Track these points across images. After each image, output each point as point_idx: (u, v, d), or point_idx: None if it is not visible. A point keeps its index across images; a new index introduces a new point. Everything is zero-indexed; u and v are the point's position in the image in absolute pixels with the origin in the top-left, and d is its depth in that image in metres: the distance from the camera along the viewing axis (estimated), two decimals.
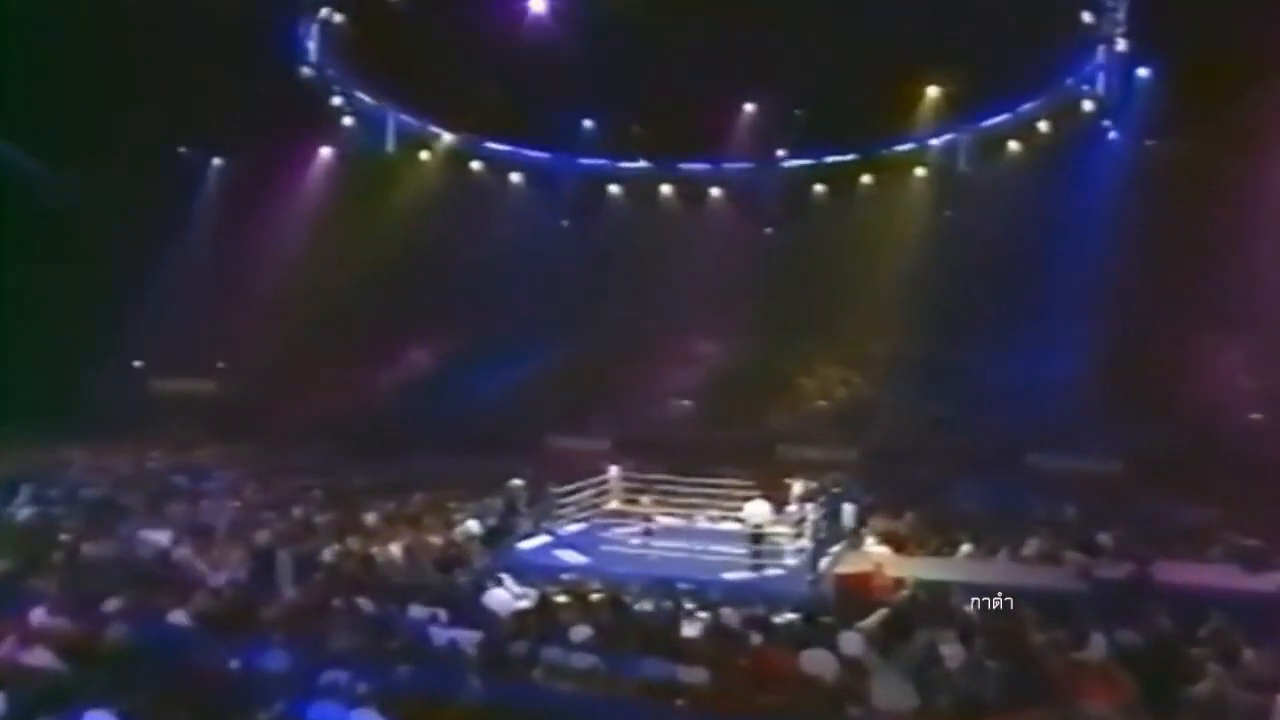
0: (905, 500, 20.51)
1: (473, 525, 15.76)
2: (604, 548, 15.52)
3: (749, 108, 24.22)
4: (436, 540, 15.78)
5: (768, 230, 27.44)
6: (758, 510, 16.58)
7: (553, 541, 16.45)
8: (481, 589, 13.08)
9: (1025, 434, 24.89)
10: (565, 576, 14.08)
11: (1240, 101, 22.62)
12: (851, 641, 11.58)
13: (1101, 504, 20.85)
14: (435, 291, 27.92)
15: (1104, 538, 16.27)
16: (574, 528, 17.50)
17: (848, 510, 16.10)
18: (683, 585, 13.64)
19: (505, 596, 12.77)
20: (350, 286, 27.16)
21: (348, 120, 23.71)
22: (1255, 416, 24.94)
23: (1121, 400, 25.05)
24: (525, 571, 14.23)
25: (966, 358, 27.42)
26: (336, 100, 23.10)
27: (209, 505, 18.83)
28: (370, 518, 18.53)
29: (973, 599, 12.92)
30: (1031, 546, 16.72)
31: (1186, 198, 23.75)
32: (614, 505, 18.70)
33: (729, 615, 12.36)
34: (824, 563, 14.86)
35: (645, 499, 17.85)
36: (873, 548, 16.31)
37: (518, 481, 16.82)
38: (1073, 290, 25.15)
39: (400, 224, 26.46)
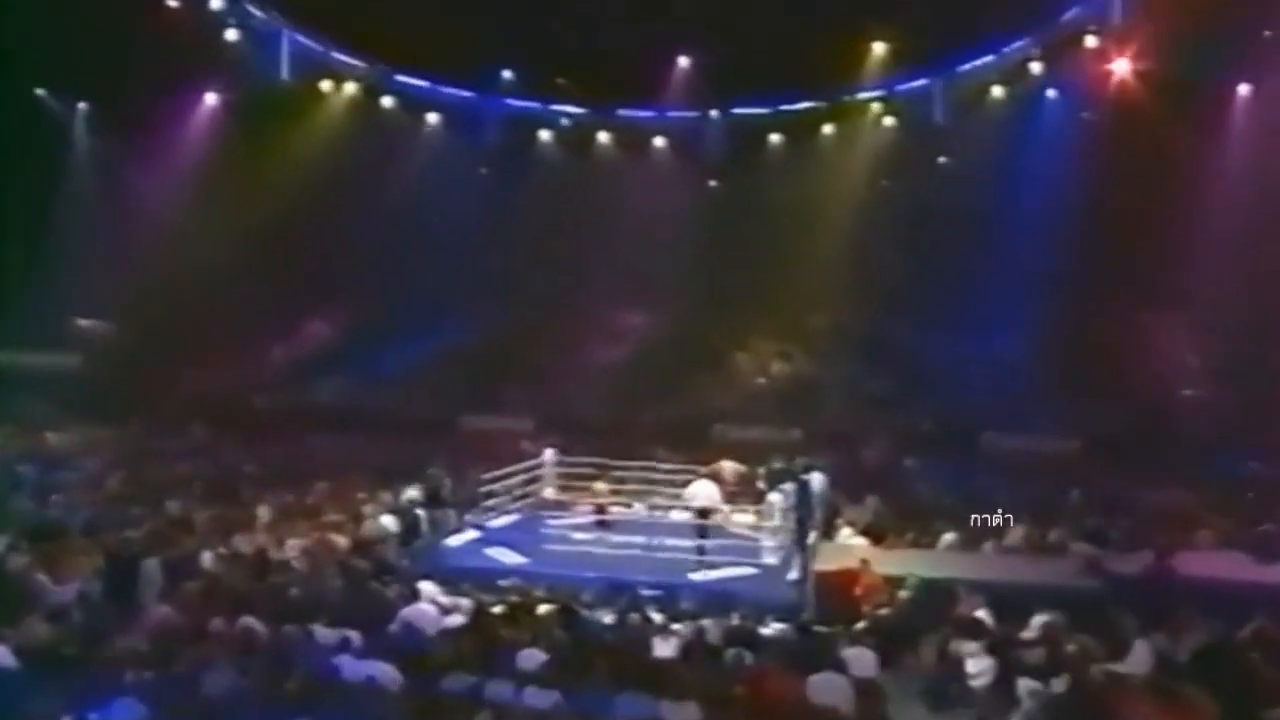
0: (862, 484, 18.80)
1: (387, 521, 13.22)
2: (545, 545, 13.22)
3: (693, 53, 21.94)
4: (343, 540, 13.19)
5: (712, 184, 25.06)
6: (702, 491, 14.63)
7: (482, 538, 14.09)
8: (403, 601, 10.68)
9: (975, 413, 23.55)
10: (503, 582, 11.76)
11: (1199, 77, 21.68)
12: (862, 659, 9.63)
13: (1068, 486, 19.59)
14: (337, 252, 24.85)
15: (1094, 522, 14.79)
16: (505, 521, 15.16)
17: (818, 480, 14.16)
18: (645, 590, 11.49)
19: (432, 612, 10.40)
20: (240, 246, 23.93)
21: (232, 34, 20.11)
22: (1187, 393, 24.13)
23: (1071, 377, 23.90)
24: (454, 576, 11.89)
25: (908, 333, 25.89)
26: (218, 4, 19.48)
27: (61, 500, 15.75)
28: (263, 512, 15.77)
29: (983, 600, 11.14)
30: (1016, 535, 15.15)
31: (1144, 168, 22.56)
32: (550, 494, 16.40)
33: (709, 628, 10.28)
34: (801, 558, 12.89)
35: (600, 485, 15.45)
36: (850, 539, 14.46)
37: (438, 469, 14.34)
38: (1024, 263, 23.78)
39: (297, 172, 23.20)
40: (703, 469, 15.56)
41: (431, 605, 10.53)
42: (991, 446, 22.24)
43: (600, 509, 14.44)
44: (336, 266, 25.49)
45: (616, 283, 25.26)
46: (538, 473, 16.37)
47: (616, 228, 24.08)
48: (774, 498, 13.06)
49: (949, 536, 15.00)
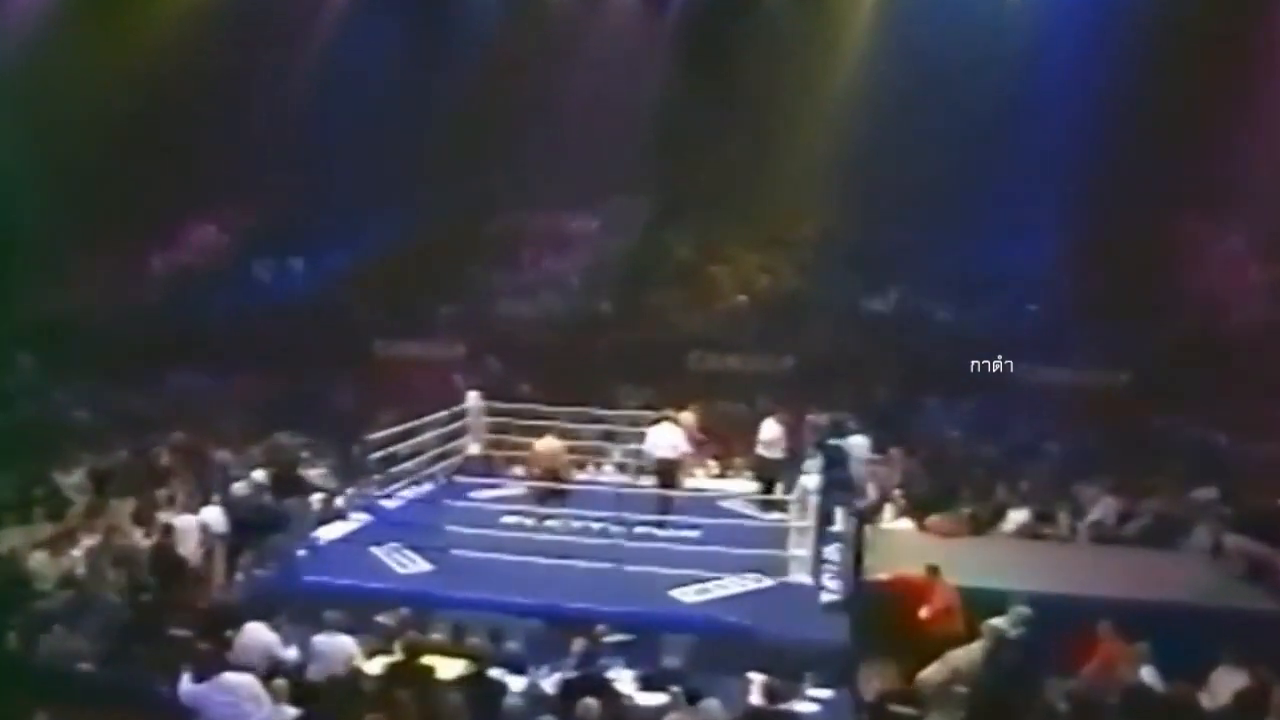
0: (880, 432, 14.82)
1: (212, 516, 8.73)
2: (456, 549, 8.87)
3: None
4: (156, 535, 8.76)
5: (688, 45, 19.92)
6: (664, 440, 10.54)
7: (370, 528, 9.72)
8: (209, 663, 6.36)
9: (1001, 339, 19.46)
10: (384, 618, 7.48)
11: None
12: None
13: (1131, 432, 15.82)
14: (217, 141, 19.67)
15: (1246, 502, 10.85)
16: (410, 496, 10.84)
17: (859, 445, 10.14)
18: (608, 637, 7.30)
19: (249, 693, 6.09)
20: (99, 135, 18.80)
21: None
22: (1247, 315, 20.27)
23: (1110, 296, 19.82)
24: (310, 606, 7.56)
25: (913, 242, 21.41)
26: None
27: None
28: (73, 479, 11.32)
29: (1144, 650, 7.14)
30: (1106, 509, 11.24)
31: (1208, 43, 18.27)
32: (475, 451, 12.08)
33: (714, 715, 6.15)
34: (836, 554, 8.78)
35: (549, 441, 10.64)
36: (895, 522, 10.44)
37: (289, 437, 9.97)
38: (1057, 156, 19.46)
39: (163, 37, 18.05)
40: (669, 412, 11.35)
41: (249, 680, 6.21)
42: (1026, 380, 18.27)
43: (545, 487, 9.90)
44: (221, 162, 20.38)
45: (566, 176, 20.47)
46: (457, 425, 11.96)
47: (564, 103, 19.23)
48: (809, 482, 8.80)
49: (1019, 515, 11.04)
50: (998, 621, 7.78)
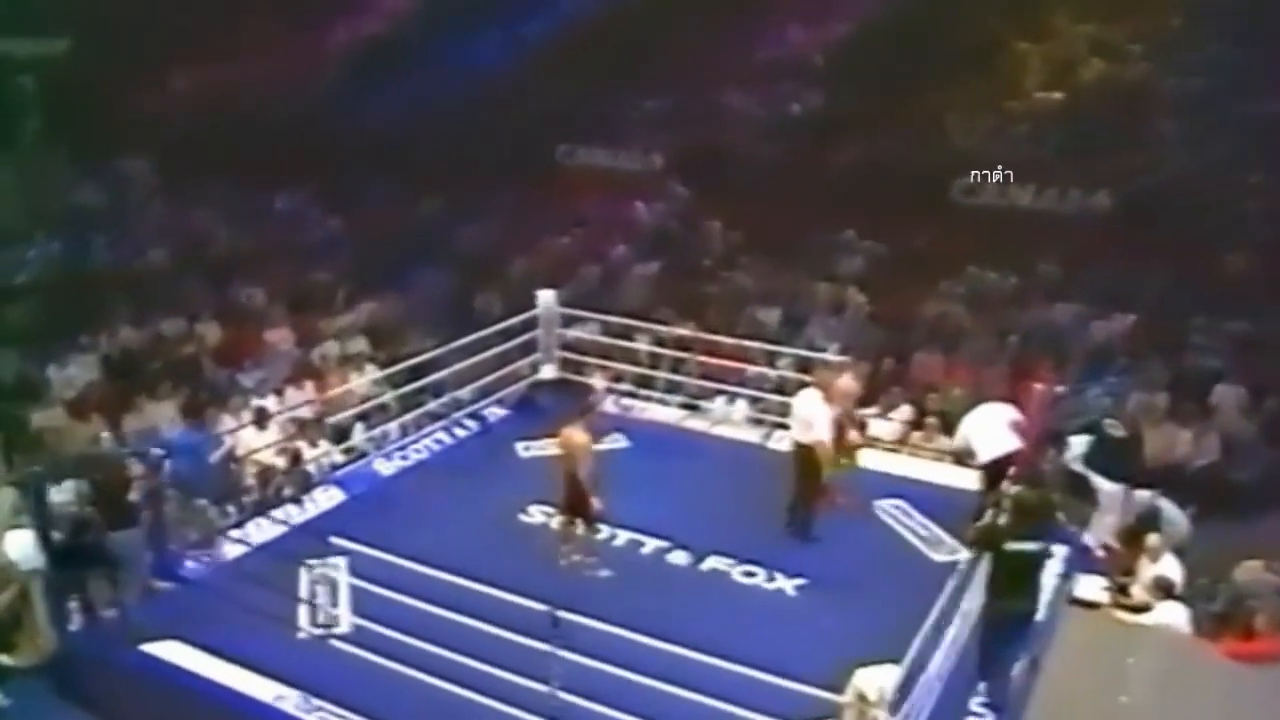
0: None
1: (18, 545, 5.97)
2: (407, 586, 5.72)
3: None
4: None
5: None
6: (801, 410, 6.88)
7: (318, 522, 6.81)
8: None
9: None
10: None
11: None
12: None
13: None
14: None
15: None
16: (422, 452, 7.86)
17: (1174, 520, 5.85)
18: None
19: None
20: None
21: None
22: None
23: None
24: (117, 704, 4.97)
25: None
26: None
27: None
28: (70, 370, 9.44)
29: None
30: None
31: None
32: (548, 375, 8.74)
33: None
34: None
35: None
36: (1151, 609, 5.85)
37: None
38: None
39: None
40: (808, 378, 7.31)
41: None
42: None
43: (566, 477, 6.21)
44: None
45: None
46: (523, 336, 8.60)
47: None
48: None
49: None
50: None
